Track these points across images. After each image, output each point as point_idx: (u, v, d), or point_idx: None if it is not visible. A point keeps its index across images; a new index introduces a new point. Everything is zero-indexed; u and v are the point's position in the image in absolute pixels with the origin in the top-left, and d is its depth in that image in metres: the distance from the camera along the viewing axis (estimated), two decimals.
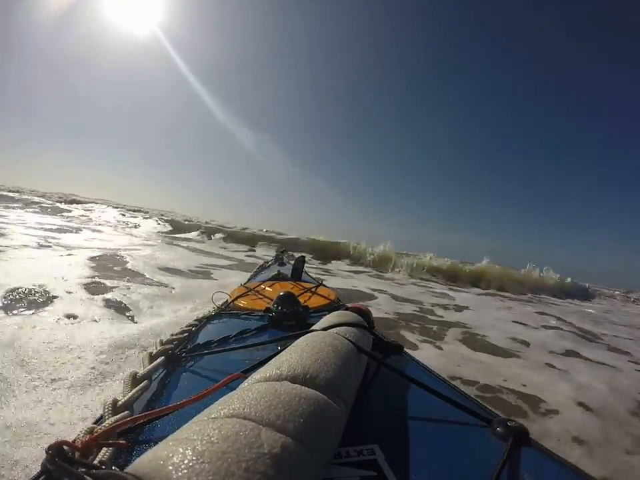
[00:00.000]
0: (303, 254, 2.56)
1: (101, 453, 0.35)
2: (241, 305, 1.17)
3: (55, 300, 2.23)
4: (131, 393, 0.54)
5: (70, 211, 12.88)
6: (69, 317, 1.98)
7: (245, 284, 1.54)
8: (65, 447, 0.29)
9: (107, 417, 0.44)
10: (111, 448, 0.35)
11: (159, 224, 12.25)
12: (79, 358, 1.51)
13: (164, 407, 0.46)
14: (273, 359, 0.46)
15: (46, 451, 0.28)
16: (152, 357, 0.73)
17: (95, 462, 0.26)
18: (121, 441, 0.37)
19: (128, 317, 2.18)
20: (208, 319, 1.05)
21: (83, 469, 0.25)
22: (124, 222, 12.06)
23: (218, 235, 10.34)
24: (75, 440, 0.35)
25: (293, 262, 1.99)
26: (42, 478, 0.31)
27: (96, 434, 0.36)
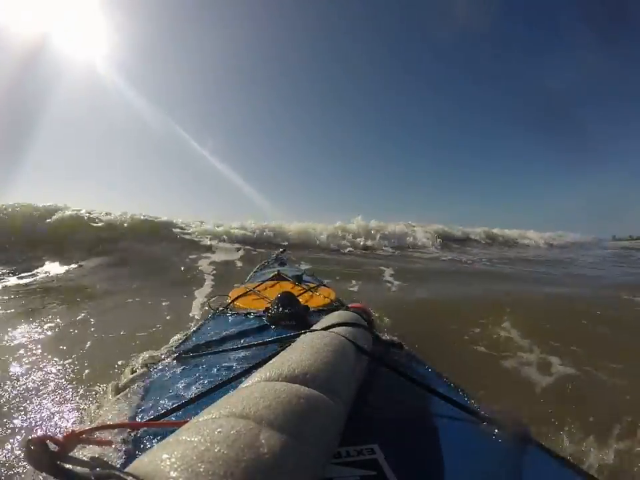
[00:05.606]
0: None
1: (91, 451, 0.34)
2: (241, 305, 1.17)
3: None
4: (124, 393, 0.54)
5: None
6: None
7: (244, 284, 1.54)
8: (47, 442, 0.29)
9: (93, 416, 0.43)
10: (104, 447, 0.34)
11: None
12: None
13: (164, 410, 0.47)
14: (272, 359, 0.46)
15: (26, 444, 0.26)
16: (153, 357, 0.74)
17: (86, 459, 0.26)
18: (104, 439, 0.36)
19: None
20: (208, 319, 1.06)
21: (64, 463, 0.25)
22: None
23: None
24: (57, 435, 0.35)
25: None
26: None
27: (79, 431, 0.35)
